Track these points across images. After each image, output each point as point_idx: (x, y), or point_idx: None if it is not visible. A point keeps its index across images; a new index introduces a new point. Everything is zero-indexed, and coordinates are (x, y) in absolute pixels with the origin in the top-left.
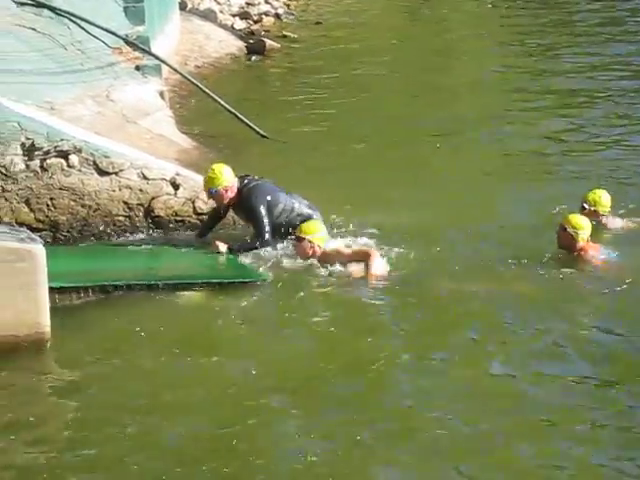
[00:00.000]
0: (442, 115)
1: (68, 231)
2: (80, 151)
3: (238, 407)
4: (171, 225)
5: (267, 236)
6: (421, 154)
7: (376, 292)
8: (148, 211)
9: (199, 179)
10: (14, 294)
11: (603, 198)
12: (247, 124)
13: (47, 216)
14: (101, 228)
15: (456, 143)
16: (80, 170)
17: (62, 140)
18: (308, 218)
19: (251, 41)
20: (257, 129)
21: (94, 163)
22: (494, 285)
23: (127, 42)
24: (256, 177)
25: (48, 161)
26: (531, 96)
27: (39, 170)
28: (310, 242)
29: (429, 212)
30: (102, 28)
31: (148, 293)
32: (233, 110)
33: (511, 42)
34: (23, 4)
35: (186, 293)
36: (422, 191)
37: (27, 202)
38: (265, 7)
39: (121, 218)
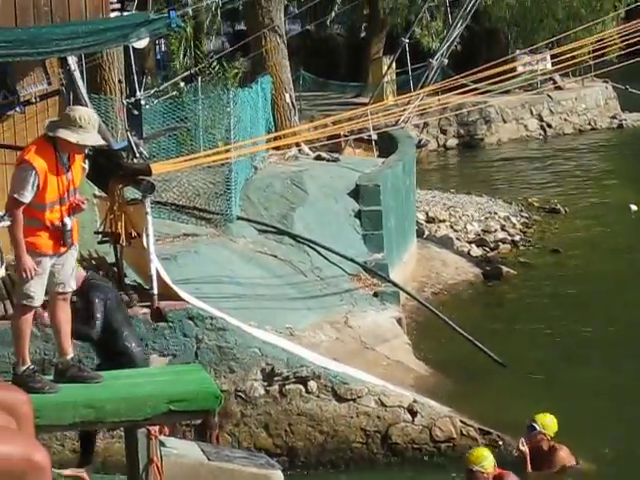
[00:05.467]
0: None
1: (305, 457)
2: (319, 377)
3: None
4: (408, 453)
5: None
6: None
7: None
8: (385, 438)
9: (436, 406)
10: None
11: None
12: (484, 351)
13: (285, 442)
14: (338, 455)
15: None
16: (318, 396)
17: (301, 366)
18: None
19: (488, 268)
20: (495, 357)
21: (332, 389)
22: None
23: (366, 269)
24: None
25: (287, 387)
26: None
27: (278, 395)
28: None
29: None
30: (341, 255)
31: None
32: (470, 337)
33: None
34: (265, 232)
35: None
36: None
37: (266, 427)
38: (502, 234)
39: (358, 445)
